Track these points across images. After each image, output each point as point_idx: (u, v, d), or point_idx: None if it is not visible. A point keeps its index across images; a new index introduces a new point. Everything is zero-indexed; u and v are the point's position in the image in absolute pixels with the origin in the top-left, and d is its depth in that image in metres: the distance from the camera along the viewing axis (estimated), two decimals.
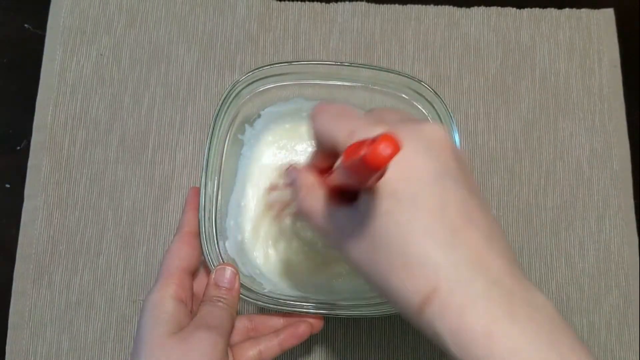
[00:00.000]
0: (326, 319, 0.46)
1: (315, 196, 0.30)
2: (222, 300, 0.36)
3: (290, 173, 0.33)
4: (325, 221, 0.29)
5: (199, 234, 0.38)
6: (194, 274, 0.39)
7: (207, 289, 0.37)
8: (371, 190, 0.26)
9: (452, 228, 0.25)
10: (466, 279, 0.24)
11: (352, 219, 0.27)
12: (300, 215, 0.31)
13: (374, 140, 0.21)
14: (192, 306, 0.37)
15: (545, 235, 0.49)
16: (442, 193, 0.25)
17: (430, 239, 0.25)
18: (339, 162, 0.26)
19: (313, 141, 0.30)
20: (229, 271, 0.37)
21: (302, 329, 0.38)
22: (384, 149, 0.20)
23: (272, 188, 0.44)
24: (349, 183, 0.26)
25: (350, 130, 0.26)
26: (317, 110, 0.29)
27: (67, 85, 0.50)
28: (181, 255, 0.37)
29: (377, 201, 0.25)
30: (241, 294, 0.37)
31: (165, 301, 0.35)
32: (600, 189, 0.50)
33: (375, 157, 0.21)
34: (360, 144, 0.23)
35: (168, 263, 0.37)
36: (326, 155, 0.30)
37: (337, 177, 0.27)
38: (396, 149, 0.21)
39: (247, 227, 0.45)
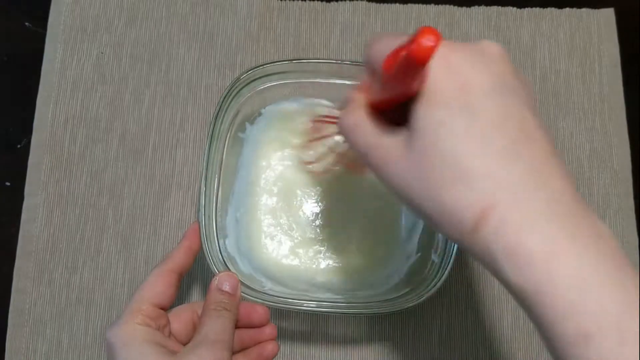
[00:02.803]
0: (326, 317, 0.46)
1: (360, 112, 0.28)
2: (226, 306, 0.34)
3: (346, 96, 0.31)
4: (369, 138, 0.27)
5: (180, 275, 0.37)
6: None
7: (209, 295, 0.35)
8: (424, 103, 0.24)
9: (511, 141, 0.23)
10: (526, 195, 0.22)
11: (399, 137, 0.26)
12: (342, 131, 0.29)
13: (415, 36, 0.21)
14: (173, 345, 0.34)
15: None
16: (500, 105, 0.24)
17: (488, 150, 0.23)
18: (379, 70, 0.25)
19: (366, 70, 0.29)
20: (232, 277, 0.36)
21: (270, 348, 0.37)
22: (426, 41, 0.21)
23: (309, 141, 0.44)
24: (391, 94, 0.26)
25: (401, 44, 0.25)
26: (374, 39, 0.28)
27: (67, 84, 0.50)
28: (156, 290, 0.35)
29: (429, 113, 0.24)
30: (241, 292, 0.37)
31: (136, 333, 0.32)
32: (600, 188, 0.50)
33: (419, 51, 0.21)
34: (400, 48, 0.22)
35: (138, 295, 0.34)
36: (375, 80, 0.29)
37: (380, 89, 0.26)
38: (438, 38, 0.21)
39: (248, 224, 0.45)
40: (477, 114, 0.23)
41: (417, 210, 0.26)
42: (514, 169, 0.23)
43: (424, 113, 0.24)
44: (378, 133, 0.27)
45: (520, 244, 0.22)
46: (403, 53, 0.22)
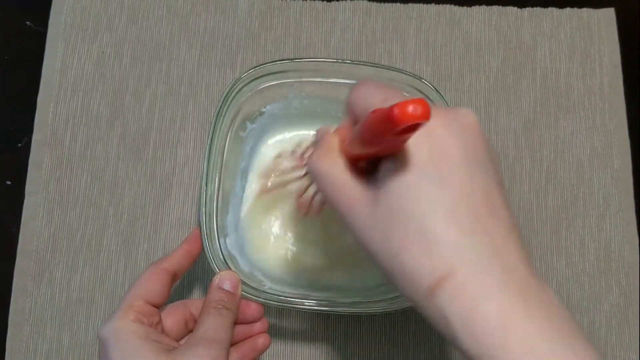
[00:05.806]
0: (327, 316, 0.46)
1: (333, 158, 0.28)
2: (226, 305, 0.35)
3: (319, 131, 0.31)
4: (337, 188, 0.28)
5: (175, 276, 0.37)
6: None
7: (210, 293, 0.36)
8: (396, 163, 0.25)
9: (476, 214, 0.24)
10: (484, 266, 0.23)
11: (368, 190, 0.26)
12: (312, 174, 0.29)
13: (407, 101, 0.21)
14: (168, 341, 0.34)
15: (545, 234, 0.49)
16: (470, 178, 0.25)
17: (453, 220, 0.24)
18: (360, 123, 0.25)
19: (346, 113, 0.29)
20: (233, 276, 0.37)
21: (261, 341, 0.37)
22: (414, 108, 0.20)
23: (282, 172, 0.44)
24: (365, 147, 0.25)
25: (384, 98, 0.26)
26: (358, 83, 0.29)
27: (68, 83, 0.50)
28: (148, 288, 0.35)
29: (402, 173, 0.25)
30: (242, 290, 0.37)
31: (129, 329, 0.32)
32: (601, 188, 0.50)
33: (404, 114, 0.20)
34: (389, 108, 0.22)
35: (131, 292, 0.34)
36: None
37: (356, 139, 0.26)
38: (426, 113, 0.20)
39: (249, 223, 0.45)
40: (447, 182, 0.24)
41: (378, 264, 0.27)
42: (475, 240, 0.24)
43: (396, 173, 0.25)
44: (347, 183, 0.27)
45: (476, 312, 0.23)
46: (384, 112, 0.21)
